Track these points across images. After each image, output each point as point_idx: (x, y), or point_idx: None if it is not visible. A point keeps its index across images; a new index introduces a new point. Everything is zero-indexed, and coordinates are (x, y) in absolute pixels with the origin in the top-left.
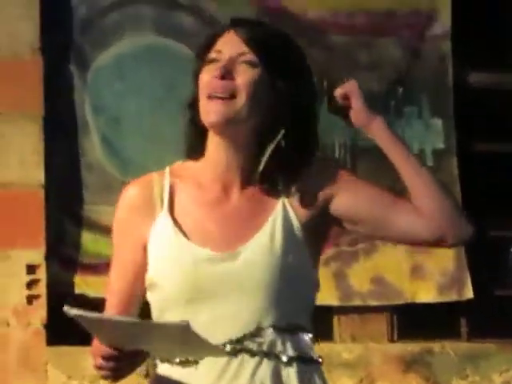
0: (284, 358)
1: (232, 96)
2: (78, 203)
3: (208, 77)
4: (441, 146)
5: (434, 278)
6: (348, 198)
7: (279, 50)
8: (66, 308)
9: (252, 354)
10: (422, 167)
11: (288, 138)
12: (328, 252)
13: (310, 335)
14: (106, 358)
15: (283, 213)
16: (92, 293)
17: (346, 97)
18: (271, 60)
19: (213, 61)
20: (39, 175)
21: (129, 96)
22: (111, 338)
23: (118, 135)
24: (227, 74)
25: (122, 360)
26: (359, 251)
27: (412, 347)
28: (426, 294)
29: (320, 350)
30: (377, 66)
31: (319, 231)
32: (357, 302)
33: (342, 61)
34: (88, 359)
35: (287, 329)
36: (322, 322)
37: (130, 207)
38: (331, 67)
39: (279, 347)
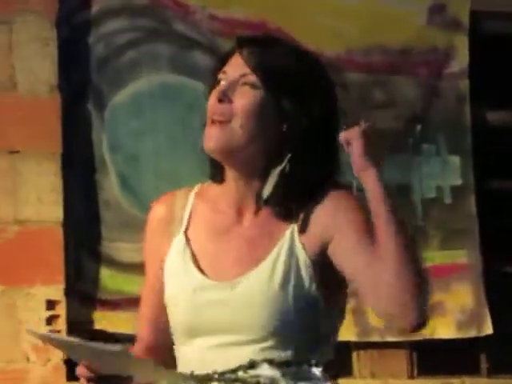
0: None
1: (229, 120)
2: (95, 240)
3: (211, 100)
4: (458, 182)
5: (454, 314)
6: (335, 246)
7: (286, 70)
8: (28, 328)
9: None
10: (398, 234)
11: (297, 162)
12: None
13: (319, 369)
14: (88, 380)
15: (290, 242)
16: (111, 329)
17: (348, 142)
18: (275, 80)
19: (219, 82)
20: (57, 212)
21: (145, 134)
22: (80, 359)
23: (134, 173)
24: (225, 97)
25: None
26: None
27: (432, 383)
28: (446, 330)
29: None
30: (393, 104)
31: (328, 264)
32: (375, 338)
33: (358, 99)
34: None
35: (287, 363)
36: (341, 358)
37: (151, 230)
38: (347, 105)
39: (276, 381)
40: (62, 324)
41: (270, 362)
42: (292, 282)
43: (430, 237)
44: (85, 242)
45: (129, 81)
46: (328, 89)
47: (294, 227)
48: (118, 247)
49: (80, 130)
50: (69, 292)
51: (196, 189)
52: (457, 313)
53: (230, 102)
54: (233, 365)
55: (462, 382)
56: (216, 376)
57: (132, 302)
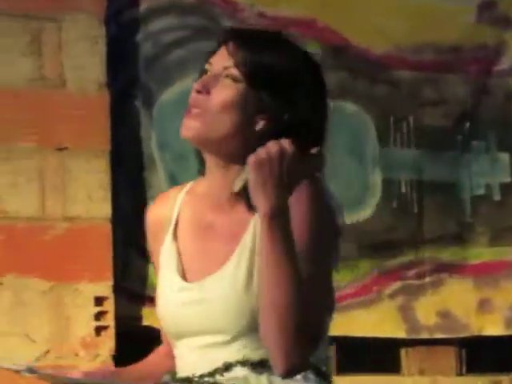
0: None
1: (205, 111)
2: (143, 237)
3: (192, 90)
4: (508, 180)
5: (502, 311)
6: None
7: (270, 66)
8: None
9: None
10: (277, 289)
11: None
12: (395, 285)
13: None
14: None
15: (252, 235)
16: (159, 325)
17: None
18: (257, 76)
19: (205, 72)
20: (106, 209)
21: None
22: None
23: (183, 170)
24: (203, 88)
25: None
26: (426, 285)
27: (481, 381)
28: (494, 328)
29: (388, 382)
30: (443, 102)
31: None
32: (424, 335)
33: (408, 96)
34: None
35: (261, 363)
36: (389, 355)
37: (149, 234)
38: (396, 103)
39: (253, 382)
40: (110, 320)
41: (245, 363)
42: (256, 278)
43: (478, 234)
44: (133, 239)
45: (176, 79)
46: (317, 88)
47: (256, 217)
48: None
49: (128, 128)
50: (117, 288)
51: (188, 186)
52: (505, 310)
53: (208, 93)
54: (211, 367)
55: (510, 379)
56: (196, 379)
57: None
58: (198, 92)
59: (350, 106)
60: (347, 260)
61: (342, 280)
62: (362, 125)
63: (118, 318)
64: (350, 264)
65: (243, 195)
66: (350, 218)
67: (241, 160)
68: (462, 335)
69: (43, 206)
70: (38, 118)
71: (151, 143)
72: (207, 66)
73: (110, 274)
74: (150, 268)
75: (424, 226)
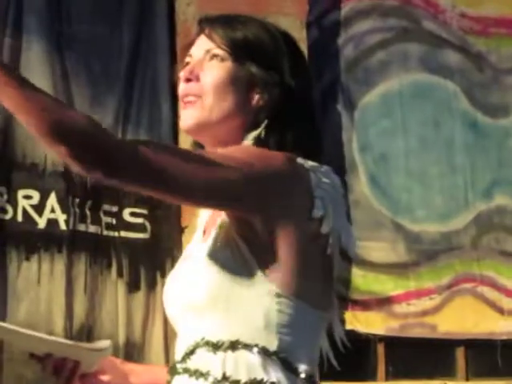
0: (210, 379)
1: (200, 97)
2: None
3: (180, 83)
4: None
5: None
6: None
7: (250, 39)
8: None
9: (189, 373)
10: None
11: (273, 128)
12: None
13: (256, 351)
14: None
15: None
16: (362, 328)
17: None
18: (241, 49)
19: (187, 65)
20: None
21: (396, 134)
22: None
23: (384, 173)
24: (191, 75)
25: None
26: None
27: None
28: None
29: None
30: None
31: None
32: None
33: None
34: None
35: (223, 346)
36: None
37: None
38: None
39: (209, 366)
40: None
41: (207, 344)
42: (219, 251)
43: None
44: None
45: (379, 81)
46: (297, 55)
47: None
48: (368, 246)
49: (330, 130)
50: None
51: None
52: None
53: (198, 79)
54: (182, 353)
55: None
56: (177, 366)
57: (382, 302)
58: (188, 80)
59: None
60: None
61: None
62: None
63: None
64: None
65: None
66: None
67: (239, 142)
68: None
69: None
70: None
71: (352, 145)
72: (188, 59)
73: None
74: (354, 271)
75: None
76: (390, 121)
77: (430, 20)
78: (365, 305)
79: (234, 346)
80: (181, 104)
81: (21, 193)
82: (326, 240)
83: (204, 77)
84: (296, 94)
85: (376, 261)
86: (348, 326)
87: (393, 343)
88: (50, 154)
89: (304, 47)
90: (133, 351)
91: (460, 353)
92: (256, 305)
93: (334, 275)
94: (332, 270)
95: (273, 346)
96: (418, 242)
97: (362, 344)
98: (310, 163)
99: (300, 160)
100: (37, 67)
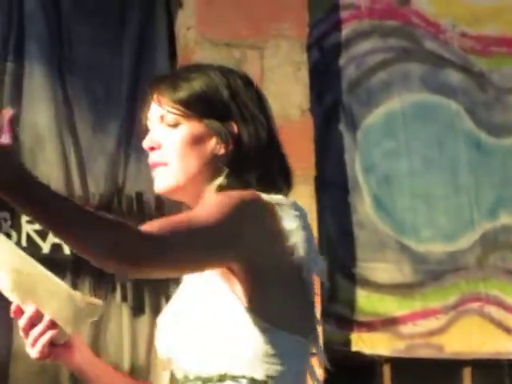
0: None
1: (166, 163)
2: (350, 261)
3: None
4: None
5: None
6: None
7: (192, 96)
8: None
9: None
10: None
11: (233, 175)
12: None
13: (245, 382)
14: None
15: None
16: (368, 350)
17: None
18: (189, 108)
19: (148, 129)
20: (313, 232)
21: (399, 154)
22: None
23: (388, 194)
24: (153, 143)
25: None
26: None
27: None
28: None
29: None
30: None
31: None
32: None
33: None
34: None
35: (213, 379)
36: None
37: None
38: None
39: None
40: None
41: (198, 377)
42: (209, 291)
43: None
44: (339, 263)
45: (381, 101)
46: (251, 91)
47: None
48: (372, 267)
49: (332, 152)
50: (324, 313)
51: None
52: None
53: (159, 146)
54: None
55: None
56: None
57: (387, 323)
58: (152, 149)
59: None
60: None
61: None
62: None
63: (326, 343)
64: None
65: None
66: None
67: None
68: None
69: None
70: None
71: (355, 166)
72: (148, 123)
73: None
74: (358, 292)
75: None
76: (394, 141)
77: (431, 40)
78: (370, 326)
79: (222, 379)
80: (152, 170)
81: (24, 218)
82: (299, 267)
83: (165, 143)
84: (253, 136)
85: (381, 281)
86: (353, 348)
87: (399, 364)
88: (53, 179)
89: (305, 70)
90: (138, 375)
91: (467, 373)
92: (242, 338)
93: (312, 300)
94: (309, 295)
95: (260, 375)
96: (424, 263)
97: (367, 365)
98: (275, 198)
99: (265, 196)
100: (39, 93)
